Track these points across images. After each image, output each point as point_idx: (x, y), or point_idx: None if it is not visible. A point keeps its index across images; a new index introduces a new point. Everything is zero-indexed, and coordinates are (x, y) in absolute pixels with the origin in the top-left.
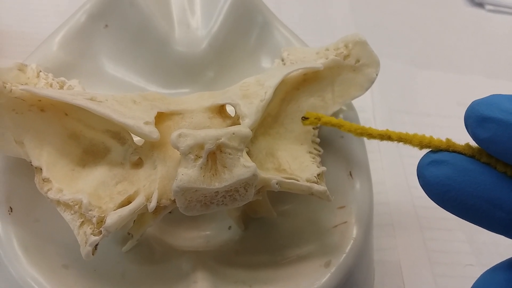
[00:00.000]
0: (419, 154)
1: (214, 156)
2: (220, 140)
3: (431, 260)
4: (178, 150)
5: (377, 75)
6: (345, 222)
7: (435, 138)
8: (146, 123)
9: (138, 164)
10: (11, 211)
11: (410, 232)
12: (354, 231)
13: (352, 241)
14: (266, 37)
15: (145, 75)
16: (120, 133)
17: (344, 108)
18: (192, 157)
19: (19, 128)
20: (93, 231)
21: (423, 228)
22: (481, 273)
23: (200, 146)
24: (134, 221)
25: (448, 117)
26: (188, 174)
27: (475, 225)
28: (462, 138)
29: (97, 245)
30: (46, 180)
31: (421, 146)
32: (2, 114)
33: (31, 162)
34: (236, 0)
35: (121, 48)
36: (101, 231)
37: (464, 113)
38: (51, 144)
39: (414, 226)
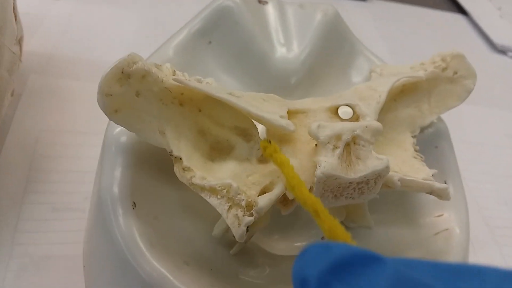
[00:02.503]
0: (487, 179)
1: (348, 147)
2: (355, 132)
3: None
4: (317, 139)
5: (474, 86)
6: (447, 229)
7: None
8: (282, 116)
9: (262, 160)
10: (135, 206)
11: (488, 248)
12: (458, 237)
13: (458, 246)
14: (354, 57)
15: (244, 88)
16: (247, 130)
17: (434, 120)
18: (331, 147)
19: (162, 119)
20: (244, 213)
21: (500, 245)
22: None
23: (338, 137)
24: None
25: (499, 147)
26: (330, 162)
27: None
28: None
29: (248, 226)
30: (187, 169)
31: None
32: (152, 102)
33: (171, 152)
34: (326, 23)
35: (222, 63)
36: (252, 213)
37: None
38: (186, 137)
39: (491, 243)
